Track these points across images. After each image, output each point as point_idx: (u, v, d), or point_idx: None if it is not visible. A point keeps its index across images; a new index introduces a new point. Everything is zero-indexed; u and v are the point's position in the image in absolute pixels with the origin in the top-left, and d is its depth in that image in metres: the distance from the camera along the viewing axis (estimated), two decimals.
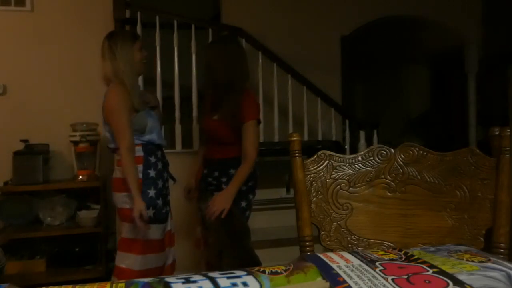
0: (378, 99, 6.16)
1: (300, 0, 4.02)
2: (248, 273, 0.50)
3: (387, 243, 1.04)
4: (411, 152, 1.07)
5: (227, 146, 2.18)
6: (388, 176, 1.07)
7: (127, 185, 1.99)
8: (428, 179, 1.05)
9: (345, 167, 1.07)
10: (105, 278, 2.88)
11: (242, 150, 2.12)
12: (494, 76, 4.46)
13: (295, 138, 1.07)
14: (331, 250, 1.03)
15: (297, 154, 1.06)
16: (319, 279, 0.50)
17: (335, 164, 1.07)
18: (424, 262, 0.53)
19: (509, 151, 0.99)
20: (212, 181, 2.21)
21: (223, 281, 0.48)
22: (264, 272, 0.50)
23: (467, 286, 0.46)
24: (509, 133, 1.00)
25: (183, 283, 0.48)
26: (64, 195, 3.18)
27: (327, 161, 1.07)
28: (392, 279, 0.48)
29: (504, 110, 4.11)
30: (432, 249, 0.61)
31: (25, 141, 3.12)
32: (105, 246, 3.07)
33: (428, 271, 0.51)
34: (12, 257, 3.00)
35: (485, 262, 0.53)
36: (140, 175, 2.00)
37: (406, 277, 0.49)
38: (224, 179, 2.18)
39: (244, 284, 0.47)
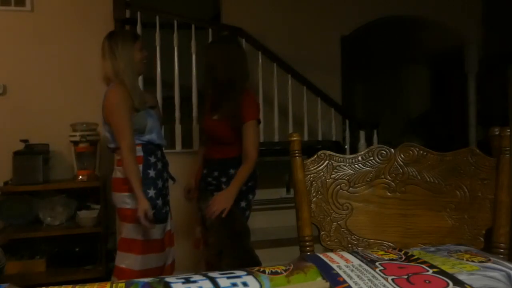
0: (378, 99, 6.16)
1: (300, 0, 4.02)
2: (248, 273, 0.50)
3: (387, 243, 1.04)
4: (411, 152, 1.07)
5: (227, 146, 2.18)
6: (388, 176, 1.07)
7: (126, 185, 1.99)
8: (428, 179, 1.05)
9: (345, 167, 1.07)
10: (105, 278, 2.88)
11: (243, 150, 2.12)
12: (494, 76, 4.46)
13: (295, 138, 1.07)
14: (331, 250, 1.03)
15: (297, 154, 1.06)
16: (319, 279, 0.50)
17: (335, 164, 1.07)
18: (424, 262, 0.53)
19: (509, 151, 0.99)
20: (212, 181, 2.21)
21: (223, 281, 0.48)
22: (264, 272, 0.50)
23: (467, 286, 0.46)
24: (509, 133, 1.00)
25: (183, 283, 0.48)
26: (64, 195, 3.18)
27: (327, 161, 1.07)
28: (392, 279, 0.48)
29: (504, 110, 4.11)
30: (432, 249, 0.61)
31: (25, 141, 3.12)
32: (105, 246, 3.07)
33: (428, 271, 0.51)
34: (12, 257, 3.00)
35: (485, 262, 0.53)
36: (140, 175, 2.00)
37: (406, 277, 0.49)
38: (223, 179, 2.18)
39: (244, 284, 0.47)
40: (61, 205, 3.16)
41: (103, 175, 3.15)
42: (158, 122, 2.16)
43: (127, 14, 3.24)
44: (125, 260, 2.02)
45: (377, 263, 0.53)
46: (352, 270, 0.51)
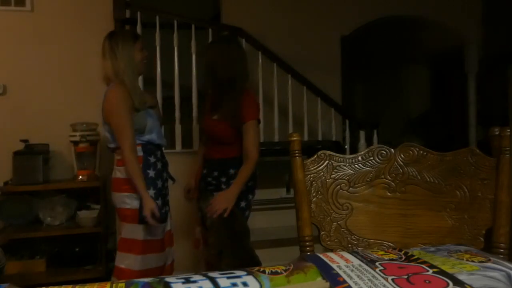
0: (378, 99, 6.16)
1: (300, 0, 4.02)
2: (248, 273, 0.50)
3: (387, 243, 1.04)
4: (411, 152, 1.07)
5: (226, 146, 2.18)
6: (388, 176, 1.07)
7: (126, 185, 1.99)
8: (428, 179, 1.05)
9: (345, 167, 1.07)
10: (105, 278, 2.88)
11: (243, 150, 2.12)
12: (494, 76, 4.46)
13: (295, 138, 1.07)
14: (331, 250, 1.03)
15: (297, 154, 1.06)
16: (319, 279, 0.50)
17: (335, 164, 1.07)
18: (424, 262, 0.53)
19: (509, 151, 0.99)
20: (212, 181, 2.21)
21: (223, 281, 0.48)
22: (264, 272, 0.50)
23: (467, 286, 0.46)
24: (509, 133, 1.00)
25: (183, 283, 0.48)
26: (64, 195, 3.18)
27: (327, 161, 1.07)
28: (392, 279, 0.48)
29: (504, 110, 4.11)
30: (432, 249, 0.61)
31: (25, 141, 3.12)
32: (105, 246, 3.07)
33: (428, 271, 0.51)
34: (12, 257, 3.00)
35: (485, 262, 0.53)
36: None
37: (406, 277, 0.49)
38: (223, 179, 2.18)
39: (244, 284, 0.47)
40: (61, 205, 3.16)
41: (103, 175, 3.15)
42: (158, 122, 2.16)
43: (127, 14, 3.24)
44: (125, 260, 2.02)
45: (377, 263, 0.53)
46: (352, 270, 0.51)
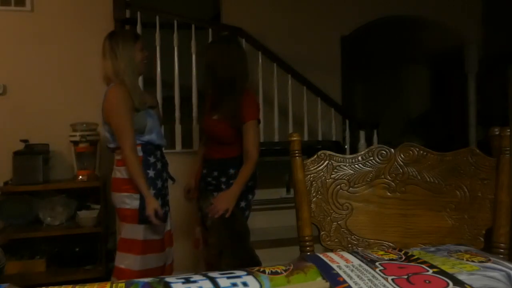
0: (378, 99, 6.16)
1: (300, 0, 4.02)
2: (248, 273, 0.50)
3: (387, 243, 1.04)
4: (411, 152, 1.07)
5: (226, 146, 2.18)
6: (388, 176, 1.07)
7: (126, 185, 1.99)
8: (428, 179, 1.05)
9: (345, 167, 1.07)
10: (105, 278, 2.88)
11: (243, 150, 2.12)
12: (494, 76, 4.46)
13: (295, 138, 1.07)
14: (331, 250, 1.03)
15: (297, 154, 1.06)
16: (319, 279, 0.50)
17: (335, 164, 1.07)
18: (424, 262, 0.53)
19: (509, 151, 0.99)
20: (212, 181, 2.21)
21: (223, 281, 0.48)
22: (264, 272, 0.50)
23: (467, 286, 0.46)
24: (509, 133, 1.00)
25: (183, 283, 0.48)
26: (64, 195, 3.18)
27: (327, 161, 1.07)
28: (392, 279, 0.48)
29: (504, 110, 4.11)
30: (432, 249, 0.61)
31: (25, 141, 3.12)
32: (105, 246, 3.07)
33: (428, 271, 0.51)
34: (12, 257, 3.00)
35: (485, 262, 0.53)
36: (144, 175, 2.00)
37: (406, 277, 0.49)
38: (223, 179, 2.18)
39: (244, 284, 0.47)
40: (61, 205, 3.16)
41: (103, 175, 3.15)
42: (158, 122, 2.16)
43: (127, 14, 3.24)
44: (124, 261, 2.02)
45: (377, 263, 0.53)
46: (352, 270, 0.51)
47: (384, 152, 1.08)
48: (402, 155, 1.07)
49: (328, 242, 1.04)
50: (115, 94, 1.98)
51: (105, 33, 2.12)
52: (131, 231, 2.01)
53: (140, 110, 2.03)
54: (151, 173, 2.03)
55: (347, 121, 3.71)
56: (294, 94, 3.48)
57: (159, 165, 2.08)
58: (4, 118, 3.26)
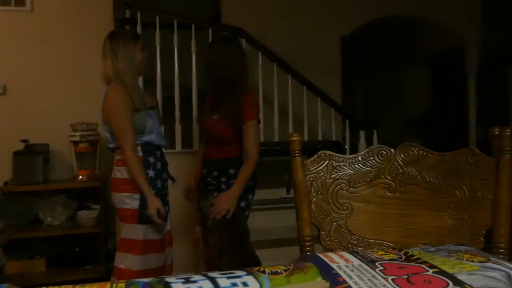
0: (378, 99, 6.16)
1: (300, 0, 4.02)
2: (248, 273, 0.50)
3: (387, 243, 1.04)
4: (411, 152, 1.07)
5: (226, 146, 2.18)
6: (388, 176, 1.07)
7: (126, 186, 1.99)
8: (428, 179, 1.05)
9: (345, 167, 1.07)
10: (105, 278, 2.88)
11: (243, 150, 2.12)
12: (494, 76, 4.46)
13: (295, 138, 1.07)
14: (331, 250, 1.03)
15: (297, 154, 1.06)
16: (319, 279, 0.50)
17: (335, 164, 1.07)
18: (424, 262, 0.53)
19: (509, 151, 0.99)
20: (211, 181, 2.21)
21: (223, 281, 0.48)
22: (264, 272, 0.50)
23: (467, 286, 0.46)
24: (509, 133, 1.00)
25: (183, 283, 0.48)
26: (64, 195, 3.18)
27: (327, 161, 1.07)
28: (392, 279, 0.48)
29: (504, 110, 4.11)
30: (432, 249, 0.61)
31: (25, 141, 3.12)
32: (105, 246, 3.07)
33: (428, 271, 0.51)
34: (12, 257, 3.00)
35: (485, 262, 0.53)
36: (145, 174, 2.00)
37: (406, 277, 0.49)
38: (223, 179, 2.18)
39: (244, 284, 0.47)
40: (61, 205, 3.16)
41: (103, 175, 3.15)
42: (158, 122, 2.16)
43: (127, 14, 3.24)
44: (124, 261, 2.02)
45: (377, 263, 0.53)
46: (352, 270, 0.51)
47: (384, 152, 1.08)
48: (402, 155, 1.07)
49: (328, 242, 1.04)
50: (115, 94, 1.98)
51: (105, 33, 2.11)
52: (131, 231, 2.00)
53: (140, 110, 2.03)
54: (151, 173, 2.03)
55: (347, 121, 3.71)
56: (294, 94, 3.48)
57: (159, 165, 2.08)
58: (4, 118, 3.26)
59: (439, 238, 1.02)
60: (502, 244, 0.96)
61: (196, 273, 0.51)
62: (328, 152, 1.08)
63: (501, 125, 1.03)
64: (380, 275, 0.50)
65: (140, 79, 2.42)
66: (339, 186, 1.06)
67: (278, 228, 3.14)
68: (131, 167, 1.95)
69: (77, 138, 3.11)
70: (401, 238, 1.04)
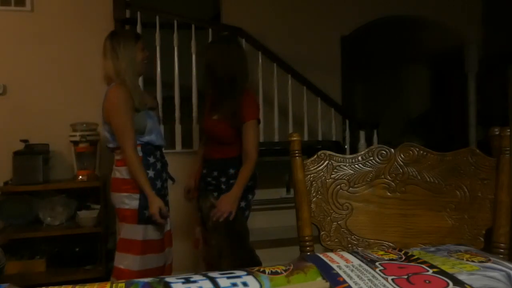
0: (378, 99, 6.16)
1: (300, 0, 4.02)
2: (248, 273, 0.50)
3: (387, 243, 1.04)
4: (411, 152, 1.07)
5: (226, 146, 2.18)
6: (388, 176, 1.07)
7: (125, 186, 1.99)
8: (428, 179, 1.05)
9: (345, 167, 1.07)
10: (105, 278, 2.88)
11: (243, 150, 2.12)
12: (494, 76, 4.46)
13: (295, 138, 1.07)
14: (331, 250, 1.03)
15: (297, 154, 1.06)
16: (319, 279, 0.50)
17: (335, 164, 1.07)
18: (424, 262, 0.53)
19: (509, 151, 0.99)
20: (211, 181, 2.21)
21: (223, 281, 0.48)
22: (264, 272, 0.50)
23: (467, 286, 0.46)
24: (509, 133, 1.00)
25: (183, 283, 0.48)
26: (64, 195, 3.18)
27: (327, 161, 1.07)
28: (392, 279, 0.48)
29: (504, 110, 4.11)
30: (432, 249, 0.61)
31: (25, 141, 3.12)
32: (105, 246, 3.07)
33: (428, 271, 0.51)
34: (12, 257, 3.00)
35: (485, 262, 0.53)
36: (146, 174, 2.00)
37: (406, 277, 0.49)
38: (223, 179, 2.18)
39: (244, 284, 0.47)
40: (61, 205, 3.16)
41: (103, 175, 3.15)
42: (158, 123, 2.16)
43: (127, 14, 3.24)
44: (123, 261, 2.02)
45: (377, 263, 0.53)
46: (352, 270, 0.51)
47: (384, 152, 1.08)
48: (402, 155, 1.07)
49: (328, 242, 1.04)
50: (116, 94, 1.98)
51: (105, 33, 2.11)
52: (131, 231, 2.00)
53: (140, 111, 2.03)
54: (150, 173, 2.03)
55: (347, 121, 3.71)
56: (294, 94, 3.48)
57: (158, 165, 2.08)
58: (4, 118, 3.26)
59: (439, 238, 1.02)
60: (502, 244, 0.96)
61: (196, 273, 0.51)
62: (328, 152, 1.08)
63: (501, 125, 1.03)
64: (380, 275, 0.50)
65: (140, 79, 2.42)
66: (339, 186, 1.06)
67: (278, 228, 3.14)
68: (132, 167, 1.95)
69: (77, 138, 3.11)
70: (401, 238, 1.04)
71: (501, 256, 0.94)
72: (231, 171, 2.16)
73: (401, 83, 6.21)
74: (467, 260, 0.54)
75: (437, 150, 1.07)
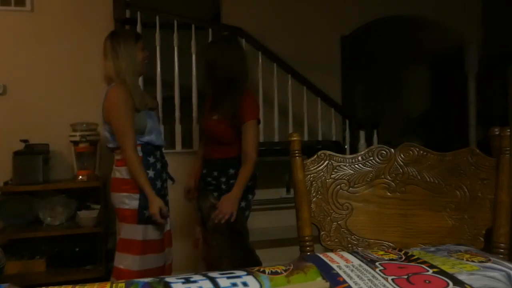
0: (378, 99, 6.16)
1: (300, 0, 4.02)
2: (248, 273, 0.50)
3: (387, 243, 1.04)
4: (411, 152, 1.07)
5: (226, 146, 2.18)
6: (388, 176, 1.07)
7: (125, 186, 1.99)
8: (428, 179, 1.05)
9: (345, 167, 1.07)
10: (105, 278, 2.88)
11: (242, 150, 2.12)
12: (494, 76, 4.46)
13: (295, 138, 1.07)
14: (331, 250, 1.03)
15: (297, 154, 1.06)
16: (319, 279, 0.50)
17: (335, 164, 1.07)
18: (424, 262, 0.53)
19: (509, 151, 0.99)
20: (212, 181, 2.21)
21: (223, 281, 0.48)
22: (264, 272, 0.50)
23: (467, 286, 0.46)
24: (509, 133, 1.00)
25: (183, 283, 0.48)
26: (64, 195, 3.18)
27: (327, 161, 1.07)
28: (392, 279, 0.48)
29: (504, 110, 4.12)
30: (432, 249, 0.61)
31: (25, 141, 3.12)
32: (105, 246, 3.07)
33: (428, 271, 0.51)
34: (12, 257, 3.00)
35: (485, 262, 0.53)
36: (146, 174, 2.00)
37: (406, 277, 0.49)
38: (223, 179, 2.18)
39: (244, 284, 0.47)
40: (61, 205, 3.16)
41: (103, 175, 3.15)
42: (158, 123, 2.16)
43: (127, 14, 3.24)
44: (123, 261, 2.02)
45: (377, 263, 0.53)
46: (352, 270, 0.51)
47: (384, 152, 1.08)
48: (402, 155, 1.07)
49: (328, 242, 1.04)
50: (116, 93, 1.98)
51: (105, 33, 2.11)
52: (131, 231, 2.00)
53: (140, 110, 2.03)
54: (150, 173, 2.03)
55: (347, 121, 3.71)
56: (294, 94, 3.48)
57: (158, 166, 2.08)
58: (4, 118, 3.26)
59: (439, 238, 1.02)
60: (502, 244, 0.96)
61: (196, 273, 0.51)
62: (328, 152, 1.08)
63: (501, 125, 1.03)
64: (380, 275, 0.50)
65: (140, 79, 2.42)
66: (339, 186, 1.06)
67: (278, 228, 3.14)
68: (132, 167, 1.95)
69: (77, 138, 3.11)
70: (401, 238, 1.04)
71: (501, 256, 0.94)
72: (231, 171, 2.16)
73: (401, 83, 6.21)
74: (467, 260, 0.54)
75: (437, 150, 1.07)
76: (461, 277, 0.48)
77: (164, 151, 2.20)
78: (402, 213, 1.05)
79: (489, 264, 0.52)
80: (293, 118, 3.50)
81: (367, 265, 0.53)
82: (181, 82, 3.21)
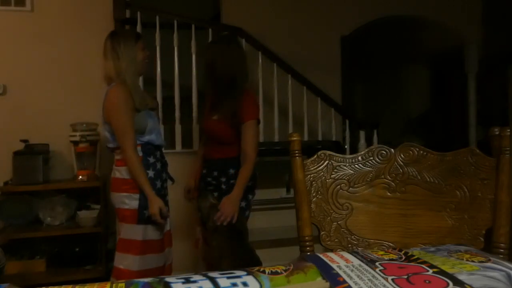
0: (378, 99, 6.15)
1: (300, 0, 4.02)
2: (248, 273, 0.50)
3: (387, 243, 1.04)
4: (411, 152, 1.07)
5: (226, 146, 2.18)
6: (388, 176, 1.07)
7: (125, 186, 1.99)
8: (428, 179, 1.05)
9: (345, 167, 1.07)
10: (105, 278, 2.88)
11: (241, 150, 2.12)
12: (494, 76, 4.46)
13: (295, 138, 1.07)
14: (331, 250, 1.03)
15: (297, 154, 1.06)
16: (319, 279, 0.50)
17: (335, 164, 1.07)
18: (424, 262, 0.53)
19: (509, 151, 0.99)
20: (212, 181, 2.21)
21: (223, 281, 0.48)
22: (264, 272, 0.50)
23: (467, 286, 0.46)
24: (509, 133, 1.00)
25: (183, 283, 0.48)
26: (64, 195, 3.18)
27: (327, 161, 1.07)
28: (392, 279, 0.48)
29: (504, 110, 4.11)
30: (432, 249, 0.61)
31: (25, 141, 3.12)
32: (105, 246, 3.07)
33: (428, 271, 0.51)
34: (12, 257, 3.00)
35: (485, 262, 0.53)
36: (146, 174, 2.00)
37: (406, 277, 0.49)
38: (223, 179, 2.18)
39: (244, 284, 0.47)
40: (61, 205, 3.16)
41: (103, 175, 3.15)
42: (158, 123, 2.16)
43: (127, 14, 3.24)
44: (123, 261, 2.02)
45: (377, 263, 0.53)
46: (352, 270, 0.51)
47: (384, 152, 1.08)
48: (402, 155, 1.07)
49: (328, 242, 1.04)
50: (117, 93, 1.98)
51: (105, 33, 2.11)
52: (130, 231, 2.00)
53: (141, 110, 2.03)
54: (150, 173, 2.03)
55: (347, 121, 3.71)
56: (294, 94, 3.48)
57: (158, 166, 2.08)
58: (4, 118, 3.26)
59: (439, 238, 1.02)
60: (502, 244, 0.96)
61: (196, 273, 0.51)
62: (328, 152, 1.08)
63: (501, 125, 1.03)
64: (380, 275, 0.50)
65: (140, 79, 2.42)
66: (339, 186, 1.06)
67: (278, 228, 3.14)
68: (132, 167, 1.95)
69: (77, 138, 3.11)
70: (401, 238, 1.04)
71: (501, 256, 0.94)
72: (231, 171, 2.16)
73: (401, 83, 6.20)
74: (467, 260, 0.54)
75: (437, 150, 1.07)
76: (461, 277, 0.48)
77: (164, 151, 2.20)
78: (402, 213, 1.05)
79: (489, 264, 0.52)
80: (293, 118, 3.50)
81: (367, 265, 0.53)
82: (181, 82, 3.21)
